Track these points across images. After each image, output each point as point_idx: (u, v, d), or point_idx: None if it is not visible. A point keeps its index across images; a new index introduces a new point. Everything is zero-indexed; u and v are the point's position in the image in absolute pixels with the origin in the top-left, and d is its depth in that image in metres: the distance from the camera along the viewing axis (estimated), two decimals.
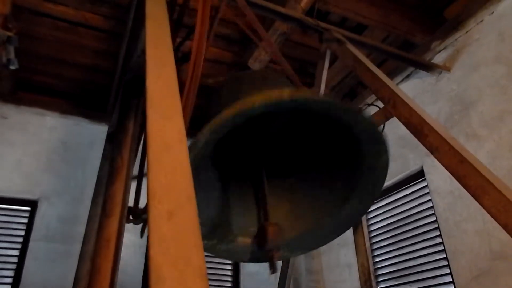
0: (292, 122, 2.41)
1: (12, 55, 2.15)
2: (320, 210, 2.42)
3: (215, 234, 2.26)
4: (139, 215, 2.39)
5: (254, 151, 2.48)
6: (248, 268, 5.46)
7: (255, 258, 2.35)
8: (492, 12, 4.00)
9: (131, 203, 2.36)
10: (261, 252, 2.18)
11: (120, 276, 2.03)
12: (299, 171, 2.54)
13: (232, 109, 1.70)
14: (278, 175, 2.52)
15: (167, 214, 0.87)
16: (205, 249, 2.26)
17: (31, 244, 4.61)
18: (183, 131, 1.13)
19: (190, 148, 1.75)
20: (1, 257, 4.51)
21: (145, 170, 2.68)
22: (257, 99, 1.70)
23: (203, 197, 2.20)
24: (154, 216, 0.86)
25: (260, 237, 2.11)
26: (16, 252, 4.58)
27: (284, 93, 1.74)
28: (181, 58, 2.65)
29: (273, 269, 2.03)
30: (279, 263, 3.86)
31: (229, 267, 5.53)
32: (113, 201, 2.12)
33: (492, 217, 1.80)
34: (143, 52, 1.47)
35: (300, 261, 5.81)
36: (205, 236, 2.20)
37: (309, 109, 1.99)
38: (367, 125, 2.02)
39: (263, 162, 2.48)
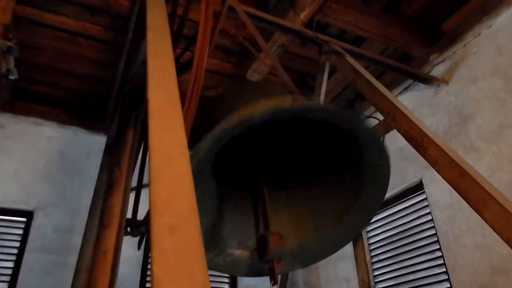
0: (293, 131, 2.40)
1: (12, 65, 2.14)
2: (321, 221, 2.39)
3: (214, 246, 2.23)
4: (137, 227, 2.37)
5: (254, 160, 2.45)
6: (246, 281, 5.41)
7: (256, 272, 2.31)
8: (490, 26, 4.01)
9: (129, 215, 2.34)
10: (262, 264, 2.14)
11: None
12: (300, 181, 2.51)
13: (234, 117, 1.69)
14: (279, 186, 2.49)
15: (169, 228, 0.85)
16: None
17: (26, 256, 4.55)
18: (185, 143, 1.11)
19: (190, 158, 1.73)
20: None
21: (144, 182, 2.66)
22: (259, 107, 1.69)
23: (202, 208, 2.16)
24: (155, 230, 0.84)
25: (261, 247, 2.06)
26: (11, 264, 4.52)
27: (286, 101, 1.74)
28: (181, 69, 2.64)
29: (274, 280, 1.99)
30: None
31: (227, 280, 5.49)
32: (111, 213, 2.10)
33: (494, 231, 1.78)
34: (144, 63, 1.46)
35: (298, 275, 5.77)
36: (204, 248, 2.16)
37: (310, 117, 1.97)
38: (368, 133, 2.01)
39: (263, 171, 2.45)
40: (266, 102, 1.76)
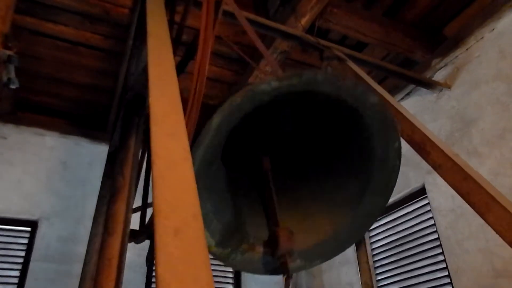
0: (300, 118, 2.37)
1: (12, 74, 2.14)
2: (333, 214, 2.36)
3: (228, 242, 2.20)
4: (141, 234, 2.37)
5: (262, 152, 2.42)
6: (250, 286, 5.40)
7: (272, 269, 2.28)
8: (493, 29, 4.01)
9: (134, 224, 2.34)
10: (275, 260, 2.12)
11: None
12: (308, 175, 2.48)
13: (242, 91, 1.71)
14: (287, 180, 2.47)
15: (173, 231, 0.86)
16: (220, 259, 2.20)
17: (32, 265, 4.58)
18: (188, 149, 1.12)
19: (199, 141, 1.73)
20: (2, 278, 4.48)
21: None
22: (271, 79, 1.70)
23: (214, 204, 2.15)
24: (160, 233, 0.85)
25: (271, 243, 2.04)
26: (17, 273, 4.55)
27: (293, 74, 1.74)
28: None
29: (287, 275, 1.97)
30: (273, 280, 3.85)
31: (231, 285, 5.48)
32: (115, 220, 2.10)
33: (497, 234, 1.79)
34: (145, 70, 1.47)
35: (302, 280, 5.77)
36: (218, 244, 2.15)
37: (317, 92, 1.92)
38: (375, 107, 1.97)
39: (271, 164, 2.40)
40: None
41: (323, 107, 2.12)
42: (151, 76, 1.43)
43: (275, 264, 2.16)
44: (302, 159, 2.52)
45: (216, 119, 1.73)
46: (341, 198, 2.36)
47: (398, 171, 2.24)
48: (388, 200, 2.38)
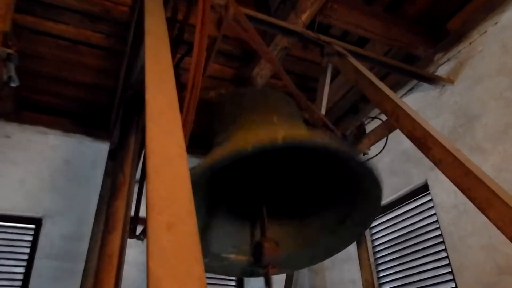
0: (289, 153, 2.42)
1: (12, 73, 2.15)
2: (314, 231, 2.43)
3: (208, 252, 2.27)
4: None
5: (252, 175, 2.48)
6: (253, 285, 5.41)
7: (250, 273, 2.36)
8: (496, 23, 3.98)
9: None
10: (255, 267, 2.19)
11: None
12: (294, 199, 2.54)
13: (224, 151, 1.74)
14: (274, 199, 2.52)
15: (166, 226, 0.86)
16: None
17: (36, 262, 4.60)
18: (183, 146, 1.12)
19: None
20: (7, 274, 4.51)
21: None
22: (249, 142, 1.71)
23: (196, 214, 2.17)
24: (153, 227, 0.85)
25: (256, 253, 2.10)
26: (22, 270, 4.58)
27: (278, 136, 1.74)
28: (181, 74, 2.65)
29: (269, 285, 2.03)
30: (277, 278, 3.87)
31: (233, 283, 5.48)
32: (115, 217, 2.11)
33: (498, 229, 1.78)
34: (143, 68, 1.46)
35: (304, 278, 5.76)
36: None
37: (304, 148, 2.01)
38: (362, 167, 2.02)
39: (261, 184, 2.48)
40: (258, 135, 1.80)
41: (309, 155, 2.19)
42: (147, 73, 1.43)
43: (253, 269, 2.31)
44: (289, 187, 2.56)
45: (200, 166, 1.77)
46: (320, 223, 2.43)
47: (377, 214, 2.35)
48: (364, 231, 2.49)
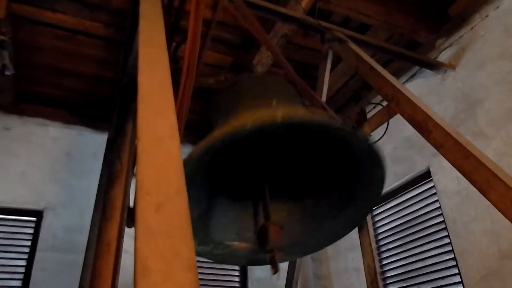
0: (289, 135, 2.39)
1: (7, 60, 2.13)
2: (317, 215, 2.41)
3: (211, 239, 2.24)
4: None
5: (253, 158, 2.45)
6: (256, 274, 5.41)
7: (254, 261, 2.33)
8: (498, 7, 3.93)
9: None
10: (261, 253, 2.16)
11: (121, 281, 1.99)
12: (297, 181, 2.51)
13: (223, 130, 1.71)
14: (276, 181, 2.49)
15: (155, 206, 0.84)
16: (201, 255, 2.25)
17: (38, 254, 4.61)
18: (175, 127, 1.10)
19: (185, 163, 1.73)
20: (9, 267, 4.52)
21: None
22: (248, 121, 1.69)
23: (197, 201, 2.16)
24: (141, 207, 0.83)
25: (261, 237, 2.07)
26: (23, 263, 4.58)
27: (277, 114, 1.72)
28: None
29: (275, 269, 1.99)
30: (283, 266, 3.84)
31: (237, 273, 5.48)
32: (113, 205, 2.10)
33: (500, 211, 1.76)
34: (138, 53, 1.44)
35: (308, 266, 5.76)
36: (200, 242, 2.19)
37: (303, 128, 1.99)
38: (364, 144, 2.00)
39: (263, 167, 2.46)
40: (257, 114, 1.78)
41: (310, 135, 2.17)
42: (141, 55, 1.41)
43: (259, 256, 2.26)
44: (291, 169, 2.54)
45: (197, 152, 1.74)
46: (323, 206, 2.41)
47: (380, 195, 2.26)
48: (367, 213, 2.47)
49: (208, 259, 2.32)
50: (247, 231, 2.37)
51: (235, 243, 2.34)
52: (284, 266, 3.95)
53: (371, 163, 2.05)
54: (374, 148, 1.97)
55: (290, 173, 2.51)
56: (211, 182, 2.31)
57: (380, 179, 2.13)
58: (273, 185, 2.41)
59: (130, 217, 2.23)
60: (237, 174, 2.49)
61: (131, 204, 2.34)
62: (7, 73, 2.14)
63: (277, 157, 2.49)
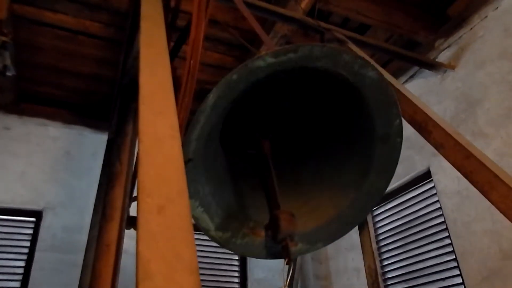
0: (299, 97, 2.33)
1: (8, 61, 2.13)
2: (335, 196, 2.31)
3: (228, 226, 2.15)
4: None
5: (262, 133, 2.37)
6: (256, 274, 5.41)
7: (273, 253, 2.24)
8: (497, 8, 3.94)
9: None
10: (276, 244, 2.07)
11: (121, 282, 1.99)
12: (310, 156, 2.44)
13: (238, 68, 1.67)
14: (287, 164, 2.43)
15: (157, 209, 0.83)
16: (220, 244, 2.16)
17: (37, 255, 4.60)
18: (176, 127, 1.09)
19: (196, 120, 1.70)
20: (7, 268, 4.51)
21: None
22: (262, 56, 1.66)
23: (214, 186, 2.10)
24: (143, 210, 0.82)
25: (273, 226, 1.97)
26: (22, 263, 4.58)
27: (289, 49, 1.70)
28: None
29: (288, 259, 1.90)
30: (278, 267, 3.82)
31: (237, 274, 5.48)
32: (112, 206, 2.09)
33: (501, 212, 1.76)
34: (139, 53, 1.44)
35: (308, 266, 5.76)
36: (218, 227, 2.11)
37: (314, 68, 1.86)
38: (374, 83, 1.92)
39: (271, 143, 2.35)
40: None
41: (321, 84, 2.07)
42: (142, 56, 1.41)
43: (276, 248, 2.10)
44: (303, 141, 2.48)
45: (211, 97, 1.68)
46: (342, 179, 2.31)
47: (400, 148, 2.20)
48: (390, 180, 2.32)
49: (225, 248, 2.19)
50: (265, 218, 2.18)
51: (254, 231, 2.22)
52: (283, 265, 3.94)
53: (385, 110, 2.00)
54: (387, 90, 1.92)
55: (301, 148, 2.46)
56: (224, 164, 2.26)
57: (398, 127, 2.09)
58: (283, 167, 2.35)
59: (129, 220, 2.22)
60: (247, 155, 2.42)
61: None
62: (8, 73, 2.14)
63: (286, 129, 2.44)
